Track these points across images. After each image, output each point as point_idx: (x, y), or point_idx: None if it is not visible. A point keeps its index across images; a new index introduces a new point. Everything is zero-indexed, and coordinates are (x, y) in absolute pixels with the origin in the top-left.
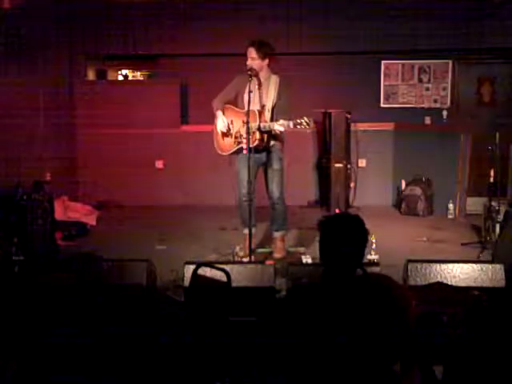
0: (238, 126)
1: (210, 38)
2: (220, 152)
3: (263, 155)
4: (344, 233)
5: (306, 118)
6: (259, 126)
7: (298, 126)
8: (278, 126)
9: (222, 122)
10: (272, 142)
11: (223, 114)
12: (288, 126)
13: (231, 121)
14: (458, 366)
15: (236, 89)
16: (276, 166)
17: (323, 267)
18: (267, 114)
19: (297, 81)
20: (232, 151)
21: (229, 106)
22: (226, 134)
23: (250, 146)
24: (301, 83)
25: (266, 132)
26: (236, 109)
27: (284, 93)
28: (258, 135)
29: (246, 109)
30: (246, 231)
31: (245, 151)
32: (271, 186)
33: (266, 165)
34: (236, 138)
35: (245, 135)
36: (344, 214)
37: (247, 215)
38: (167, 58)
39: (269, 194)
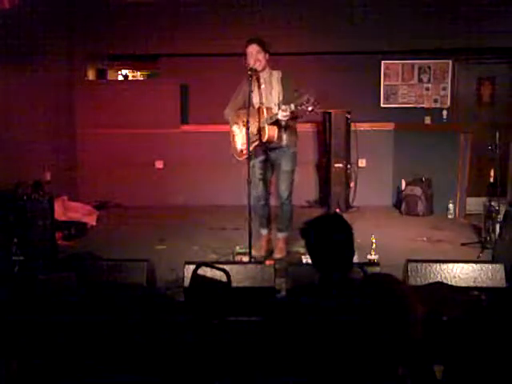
0: (253, 127)
1: (209, 38)
2: (238, 158)
3: (277, 153)
4: (328, 235)
5: (305, 96)
6: (266, 119)
7: (300, 107)
8: (282, 113)
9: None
10: (285, 140)
11: (237, 119)
12: (290, 108)
13: (245, 123)
14: (457, 366)
15: (243, 94)
16: (286, 166)
17: (318, 271)
18: (275, 109)
19: (297, 81)
20: (247, 154)
21: (240, 111)
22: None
23: (263, 141)
24: (301, 83)
25: (276, 125)
26: (246, 112)
27: (287, 85)
28: (267, 130)
29: (246, 109)
30: (263, 232)
31: (244, 151)
32: (279, 186)
33: (276, 164)
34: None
35: (255, 133)
36: (325, 216)
37: (263, 216)
38: (167, 57)
39: (278, 194)
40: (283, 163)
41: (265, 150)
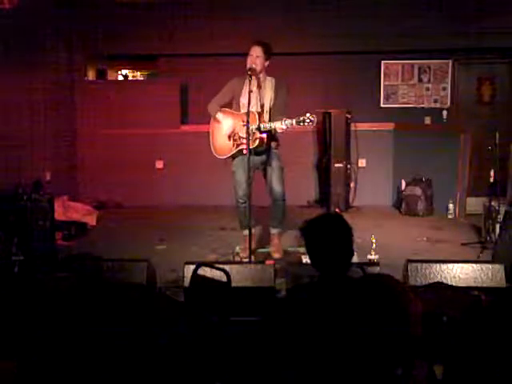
0: (243, 130)
1: (209, 38)
2: (218, 155)
3: (263, 156)
4: (327, 234)
5: (308, 115)
6: (259, 126)
7: (301, 124)
8: (280, 125)
9: (227, 125)
10: (271, 143)
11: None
12: (291, 124)
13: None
14: (458, 366)
15: (232, 92)
16: (275, 163)
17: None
18: (265, 115)
19: (297, 81)
20: (231, 154)
21: (224, 109)
22: (228, 137)
23: (250, 147)
24: (301, 83)
25: (266, 132)
26: (233, 111)
27: (280, 93)
28: (258, 136)
29: (246, 110)
30: (246, 232)
31: (245, 151)
32: (273, 184)
33: (266, 164)
34: (235, 140)
35: (244, 136)
36: (325, 215)
37: (244, 217)
38: (167, 57)
39: (271, 192)
40: (274, 163)
41: (250, 152)
